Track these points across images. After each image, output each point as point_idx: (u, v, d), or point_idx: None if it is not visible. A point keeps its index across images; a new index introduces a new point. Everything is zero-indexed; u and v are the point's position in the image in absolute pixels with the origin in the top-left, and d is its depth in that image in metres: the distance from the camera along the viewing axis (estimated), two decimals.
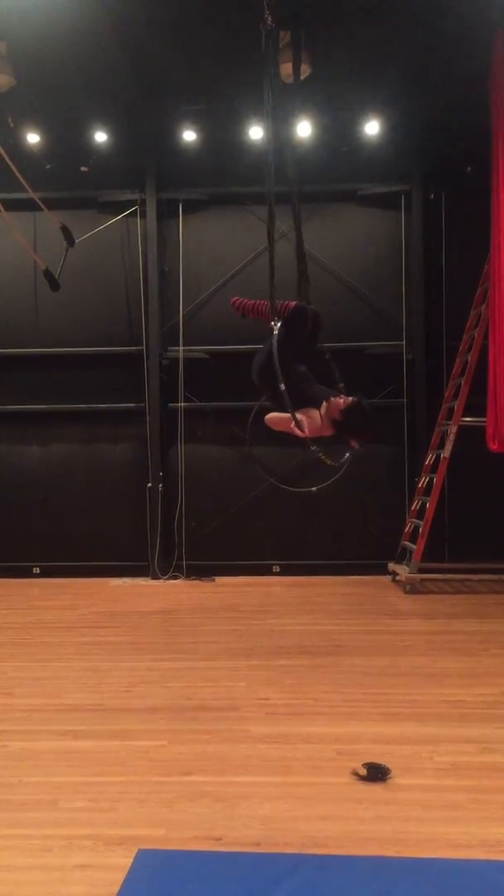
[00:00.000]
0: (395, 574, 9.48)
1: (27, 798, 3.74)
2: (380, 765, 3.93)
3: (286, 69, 7.93)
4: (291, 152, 5.85)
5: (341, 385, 5.46)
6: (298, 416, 4.67)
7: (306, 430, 4.70)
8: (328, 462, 4.92)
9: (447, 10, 7.49)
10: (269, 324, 5.07)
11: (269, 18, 5.35)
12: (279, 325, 5.04)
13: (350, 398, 4.82)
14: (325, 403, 4.85)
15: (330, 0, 7.52)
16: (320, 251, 10.03)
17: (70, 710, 4.99)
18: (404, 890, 2.91)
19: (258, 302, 5.40)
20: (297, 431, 4.69)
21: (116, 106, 9.40)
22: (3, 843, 3.32)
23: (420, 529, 9.03)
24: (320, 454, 4.87)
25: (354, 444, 5.02)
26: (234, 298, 5.58)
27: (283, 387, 4.67)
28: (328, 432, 4.89)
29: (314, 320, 5.25)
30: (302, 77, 7.93)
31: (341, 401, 4.80)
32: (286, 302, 5.19)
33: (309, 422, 4.79)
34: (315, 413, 4.87)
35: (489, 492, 9.66)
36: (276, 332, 5.00)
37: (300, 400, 4.83)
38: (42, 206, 7.68)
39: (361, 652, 6.37)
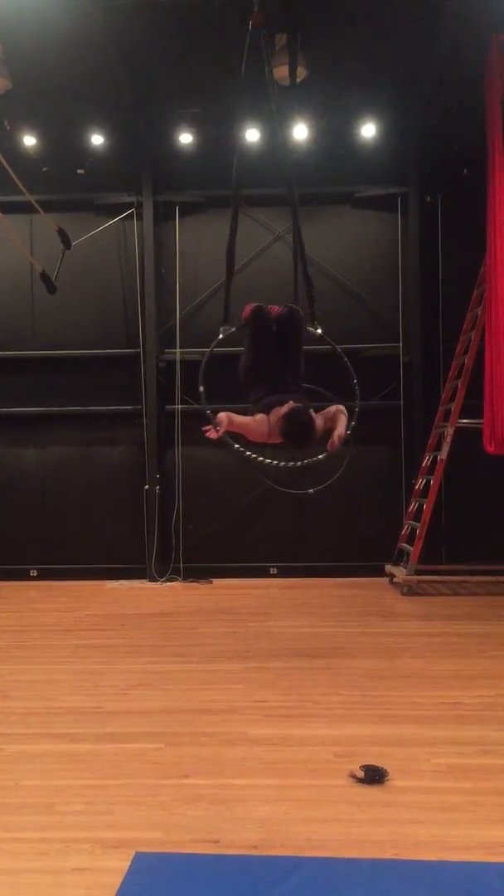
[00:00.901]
0: (392, 576, 9.48)
1: (24, 801, 3.73)
2: (377, 767, 3.93)
3: (283, 72, 7.95)
4: (283, 153, 5.84)
5: (354, 381, 5.51)
6: (238, 418, 4.83)
7: (220, 432, 4.73)
8: (265, 463, 4.99)
9: (443, 14, 7.52)
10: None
11: (257, 17, 5.35)
12: (225, 328, 5.19)
13: (292, 405, 4.84)
14: (273, 410, 4.88)
15: (327, 3, 7.53)
16: (317, 254, 10.03)
17: (67, 713, 4.98)
18: (402, 892, 2.90)
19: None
20: (211, 432, 4.75)
21: (113, 108, 9.41)
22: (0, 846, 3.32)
23: (417, 531, 9.03)
24: (255, 458, 4.96)
25: (331, 447, 5.05)
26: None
27: (201, 388, 4.90)
28: (277, 439, 4.92)
29: (284, 320, 5.23)
30: (298, 80, 7.94)
31: (284, 408, 4.82)
32: (272, 307, 5.24)
33: (255, 426, 4.85)
34: (263, 418, 4.90)
35: (486, 494, 9.67)
36: (220, 335, 5.20)
37: (262, 406, 4.90)
38: (39, 208, 7.67)
39: (359, 654, 6.36)
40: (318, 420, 5.03)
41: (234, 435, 4.96)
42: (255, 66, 5.59)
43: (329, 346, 5.85)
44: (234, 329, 5.36)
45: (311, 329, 5.44)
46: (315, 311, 5.62)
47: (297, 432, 4.84)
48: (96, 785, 3.89)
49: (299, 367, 5.31)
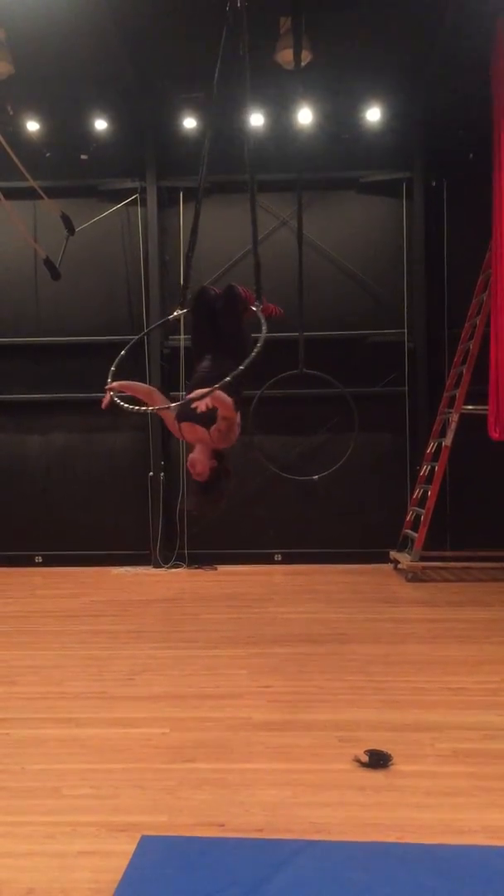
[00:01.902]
0: (396, 562, 9.48)
1: (30, 785, 3.76)
2: (382, 752, 3.95)
3: (287, 56, 7.89)
4: (248, 140, 5.66)
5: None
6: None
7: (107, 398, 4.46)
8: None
9: None
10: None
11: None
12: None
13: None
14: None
15: None
16: (321, 239, 10.01)
17: (73, 699, 5.01)
18: (406, 876, 2.92)
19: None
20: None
21: (116, 94, 9.34)
22: (6, 829, 3.34)
23: (422, 518, 9.03)
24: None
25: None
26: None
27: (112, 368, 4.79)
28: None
29: (221, 297, 5.15)
30: (303, 63, 7.88)
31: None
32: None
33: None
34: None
35: (491, 480, 9.65)
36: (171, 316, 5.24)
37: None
38: (42, 194, 7.65)
39: (363, 640, 6.38)
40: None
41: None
42: (259, 50, 5.53)
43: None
44: (185, 311, 5.34)
45: (253, 308, 5.31)
46: (262, 287, 5.43)
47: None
48: (102, 769, 3.91)
49: (235, 339, 5.14)
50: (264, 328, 4.60)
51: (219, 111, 5.45)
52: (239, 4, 5.08)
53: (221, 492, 4.44)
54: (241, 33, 5.17)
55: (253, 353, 4.29)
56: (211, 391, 4.06)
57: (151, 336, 10.08)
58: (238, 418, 4.45)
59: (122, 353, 5.01)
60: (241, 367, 4.19)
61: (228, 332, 4.90)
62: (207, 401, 4.14)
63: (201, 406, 4.15)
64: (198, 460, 4.45)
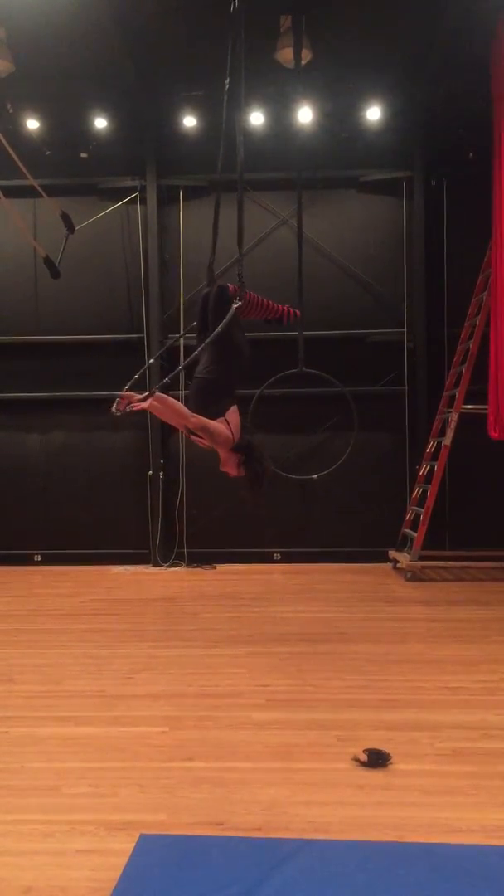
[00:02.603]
0: (395, 561, 9.49)
1: (29, 784, 3.76)
2: (380, 751, 3.94)
3: (287, 54, 7.90)
4: (241, 138, 5.69)
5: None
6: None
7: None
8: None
9: None
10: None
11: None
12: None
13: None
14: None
15: None
16: (321, 238, 10.01)
17: (72, 697, 5.01)
18: (405, 875, 2.92)
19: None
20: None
21: (116, 92, 9.34)
22: (5, 828, 3.34)
23: (421, 517, 9.04)
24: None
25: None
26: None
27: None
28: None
29: (210, 297, 5.24)
30: (303, 62, 7.89)
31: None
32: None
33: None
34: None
35: (490, 479, 9.66)
36: None
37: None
38: (42, 192, 7.61)
39: (362, 639, 6.38)
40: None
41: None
42: (257, 48, 5.53)
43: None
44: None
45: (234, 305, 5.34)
46: (243, 284, 5.45)
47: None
48: (101, 768, 3.91)
49: (223, 340, 5.22)
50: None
51: (236, 107, 5.45)
52: (232, 9, 5.06)
53: (259, 475, 4.59)
54: (235, 36, 5.19)
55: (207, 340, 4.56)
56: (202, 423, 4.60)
57: (151, 334, 10.09)
58: (229, 416, 4.61)
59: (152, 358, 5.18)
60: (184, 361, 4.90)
61: (214, 324, 4.97)
62: (201, 440, 4.44)
63: (201, 443, 4.48)
64: (224, 462, 4.76)
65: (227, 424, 4.85)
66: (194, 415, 4.71)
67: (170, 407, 4.81)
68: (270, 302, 5.45)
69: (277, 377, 9.30)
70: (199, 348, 4.98)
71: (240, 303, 5.01)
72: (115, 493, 10.33)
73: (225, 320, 4.81)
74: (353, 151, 9.92)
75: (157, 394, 4.69)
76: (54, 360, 10.36)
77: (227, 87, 5.34)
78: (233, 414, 4.91)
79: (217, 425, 4.79)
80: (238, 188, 5.50)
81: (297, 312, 5.52)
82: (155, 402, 4.74)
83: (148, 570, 9.90)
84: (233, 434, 4.84)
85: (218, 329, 4.66)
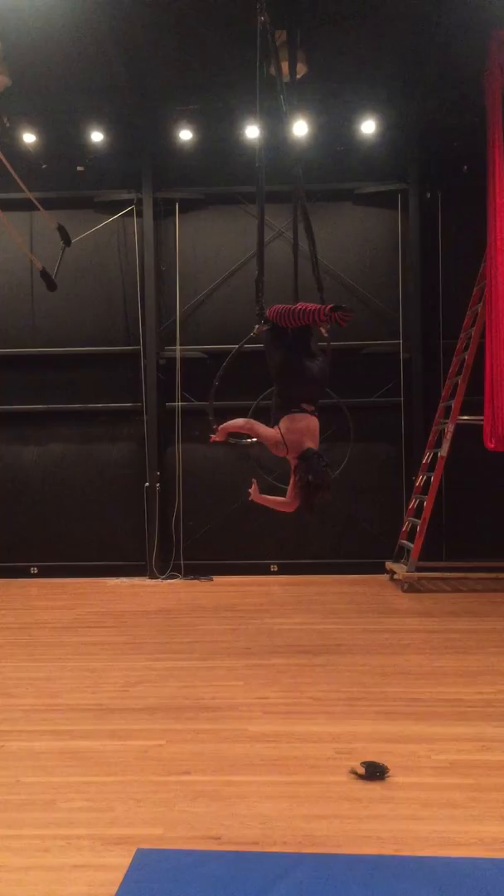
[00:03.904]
0: (392, 573, 9.48)
1: (25, 798, 3.74)
2: (378, 763, 3.93)
3: (282, 68, 7.93)
4: (262, 152, 5.72)
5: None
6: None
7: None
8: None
9: (443, 10, 7.51)
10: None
11: (265, 17, 5.35)
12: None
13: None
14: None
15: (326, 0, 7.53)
16: (317, 250, 10.02)
17: (68, 710, 4.99)
18: (402, 889, 2.91)
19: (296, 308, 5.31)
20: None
21: (113, 106, 9.40)
22: (1, 843, 3.32)
23: (417, 528, 9.04)
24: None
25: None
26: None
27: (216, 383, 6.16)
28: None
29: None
30: (298, 76, 7.94)
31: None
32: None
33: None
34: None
35: (486, 490, 9.67)
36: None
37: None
38: (38, 205, 7.66)
39: (359, 650, 6.37)
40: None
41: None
42: (254, 64, 5.57)
43: (328, 343, 5.97)
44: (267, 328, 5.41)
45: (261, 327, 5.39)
46: (262, 309, 5.46)
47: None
48: (97, 782, 3.90)
49: (271, 365, 5.48)
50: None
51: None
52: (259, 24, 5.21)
53: (307, 485, 5.06)
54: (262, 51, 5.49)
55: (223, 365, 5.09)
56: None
57: (148, 347, 10.11)
58: (280, 429, 5.16)
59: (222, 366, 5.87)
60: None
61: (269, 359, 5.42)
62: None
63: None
64: (292, 469, 5.21)
65: (277, 431, 5.17)
66: (248, 420, 5.36)
67: (237, 425, 5.41)
68: (300, 306, 5.29)
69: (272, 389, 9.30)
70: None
71: (263, 326, 5.23)
72: (112, 506, 10.32)
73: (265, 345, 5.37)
74: (349, 164, 9.99)
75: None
76: (51, 373, 10.37)
77: (258, 101, 5.55)
78: (287, 422, 5.20)
79: (263, 429, 5.27)
80: (259, 221, 5.59)
81: (328, 308, 5.38)
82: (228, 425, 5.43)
83: (145, 582, 9.89)
84: (283, 441, 5.15)
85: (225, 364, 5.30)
